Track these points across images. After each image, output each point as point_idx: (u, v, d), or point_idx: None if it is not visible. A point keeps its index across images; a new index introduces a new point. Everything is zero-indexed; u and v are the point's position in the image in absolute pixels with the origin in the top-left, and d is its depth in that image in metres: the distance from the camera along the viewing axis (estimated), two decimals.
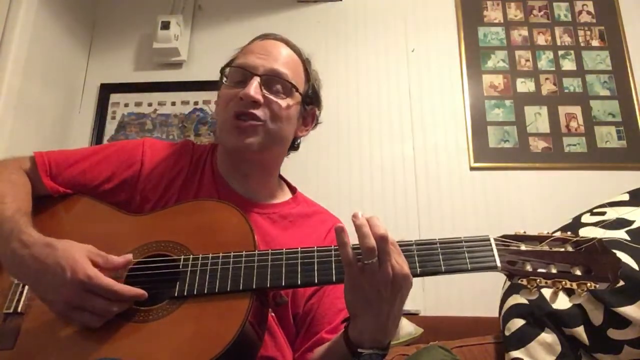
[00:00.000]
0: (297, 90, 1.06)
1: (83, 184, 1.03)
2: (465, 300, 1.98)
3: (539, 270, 0.79)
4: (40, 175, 1.01)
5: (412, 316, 1.82)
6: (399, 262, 0.77)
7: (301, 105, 1.08)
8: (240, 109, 1.00)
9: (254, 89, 0.99)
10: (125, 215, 0.99)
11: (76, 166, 1.04)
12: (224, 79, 1.07)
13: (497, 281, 1.45)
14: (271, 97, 1.02)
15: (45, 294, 0.82)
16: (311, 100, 1.12)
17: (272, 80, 1.03)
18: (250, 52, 1.06)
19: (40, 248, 0.83)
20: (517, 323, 1.30)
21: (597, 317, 1.22)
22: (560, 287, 0.77)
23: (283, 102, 1.03)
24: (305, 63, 1.11)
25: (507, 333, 1.32)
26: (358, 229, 0.77)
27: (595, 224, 1.38)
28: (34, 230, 0.87)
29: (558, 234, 0.83)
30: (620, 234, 1.30)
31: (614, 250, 0.80)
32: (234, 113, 1.01)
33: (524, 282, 0.78)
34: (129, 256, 0.87)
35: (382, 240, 0.76)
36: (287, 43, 1.10)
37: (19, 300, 0.89)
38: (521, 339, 1.28)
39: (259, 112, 1.00)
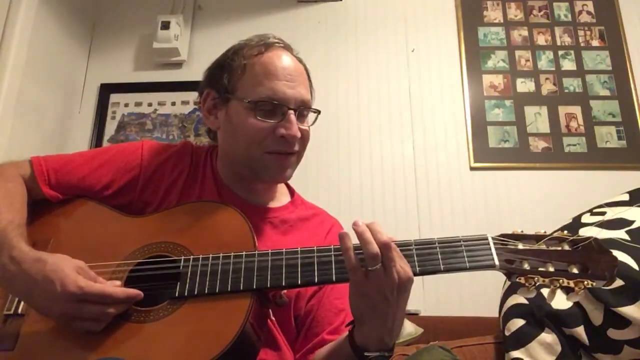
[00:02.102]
0: (318, 110, 1.07)
1: (83, 190, 1.03)
2: (465, 300, 1.99)
3: (537, 268, 0.80)
4: (40, 184, 1.01)
5: (412, 316, 1.81)
6: (403, 266, 0.78)
7: None
8: (280, 148, 1.00)
9: (296, 128, 0.99)
10: (127, 217, 1.00)
11: (75, 173, 1.03)
12: (246, 104, 0.99)
13: (497, 281, 1.45)
14: (303, 127, 1.03)
15: (40, 309, 0.83)
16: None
17: (303, 111, 1.03)
18: (273, 76, 1.00)
19: (30, 263, 0.82)
20: (517, 323, 1.30)
21: (597, 317, 1.22)
22: (558, 285, 0.77)
23: (308, 126, 1.06)
24: (305, 66, 1.09)
25: (507, 333, 1.32)
26: (360, 235, 0.78)
27: (595, 224, 1.38)
28: (25, 245, 0.86)
29: (556, 234, 0.83)
30: (620, 234, 1.30)
31: (614, 250, 0.80)
32: (274, 150, 1.00)
33: (522, 280, 0.79)
34: (117, 283, 0.86)
35: (385, 247, 0.76)
36: (289, 49, 1.08)
37: (19, 302, 0.89)
38: (521, 339, 1.28)
39: (296, 147, 1.02)
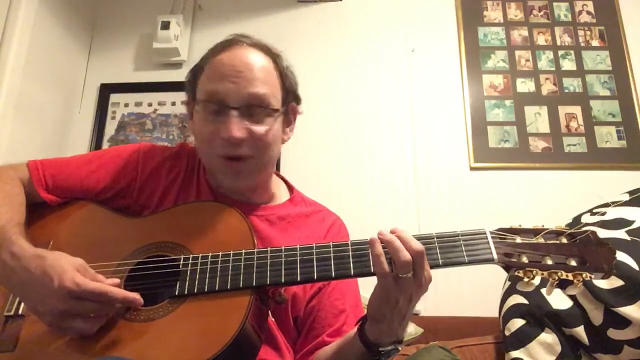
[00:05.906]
0: (276, 109, 0.98)
1: (81, 194, 1.03)
2: (465, 300, 1.98)
3: (535, 261, 0.80)
4: (37, 189, 1.01)
5: (412, 316, 1.81)
6: (427, 269, 0.80)
7: (282, 114, 1.02)
8: (226, 151, 0.94)
9: (236, 128, 0.92)
10: (126, 218, 1.00)
11: (72, 176, 1.03)
12: (197, 106, 0.98)
13: (496, 281, 1.45)
14: (254, 128, 0.94)
15: (35, 306, 0.82)
16: (289, 100, 1.05)
17: (250, 107, 0.95)
18: (220, 75, 0.95)
19: (30, 259, 0.83)
20: (517, 323, 1.30)
21: (597, 317, 1.22)
22: (557, 278, 0.78)
23: (266, 127, 0.96)
24: (277, 62, 1.02)
25: (507, 333, 1.32)
26: (389, 244, 0.79)
27: (595, 224, 1.37)
28: (24, 241, 0.86)
29: (552, 227, 0.84)
30: (620, 234, 1.30)
31: None
32: (222, 154, 0.95)
33: (521, 273, 0.80)
34: (117, 281, 0.85)
35: (420, 255, 0.78)
36: (255, 45, 1.01)
37: (19, 303, 0.89)
38: (521, 339, 1.28)
39: (245, 150, 0.95)
